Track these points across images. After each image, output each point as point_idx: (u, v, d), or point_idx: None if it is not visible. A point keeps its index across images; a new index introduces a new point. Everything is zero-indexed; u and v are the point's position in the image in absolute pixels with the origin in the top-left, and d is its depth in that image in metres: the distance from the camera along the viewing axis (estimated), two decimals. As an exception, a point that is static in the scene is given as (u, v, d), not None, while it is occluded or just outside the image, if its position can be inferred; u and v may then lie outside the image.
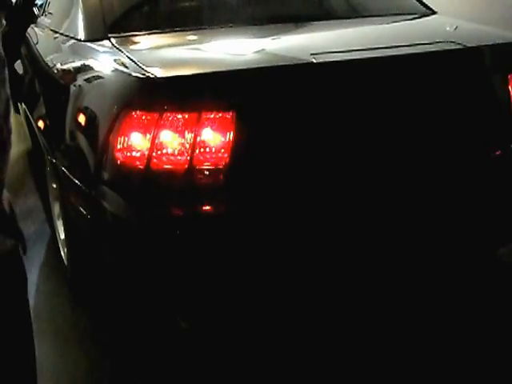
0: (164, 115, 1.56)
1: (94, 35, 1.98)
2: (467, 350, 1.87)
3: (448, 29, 2.13)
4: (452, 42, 1.87)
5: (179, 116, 1.57)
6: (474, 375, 1.77)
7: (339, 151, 1.70)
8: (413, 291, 2.08)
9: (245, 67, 1.68)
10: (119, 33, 1.96)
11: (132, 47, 1.93)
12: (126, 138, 1.61)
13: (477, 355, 1.84)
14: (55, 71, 2.17)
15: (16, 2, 2.17)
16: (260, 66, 1.70)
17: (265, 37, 2.06)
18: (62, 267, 2.27)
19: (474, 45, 1.89)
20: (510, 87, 1.92)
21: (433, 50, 1.84)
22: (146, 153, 1.58)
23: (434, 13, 2.34)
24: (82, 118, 1.84)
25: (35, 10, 2.84)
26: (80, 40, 2.03)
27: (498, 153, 1.94)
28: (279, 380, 1.78)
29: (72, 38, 2.11)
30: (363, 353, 1.87)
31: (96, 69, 1.87)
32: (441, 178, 1.82)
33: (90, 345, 1.96)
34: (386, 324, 1.98)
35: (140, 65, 1.65)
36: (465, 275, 2.19)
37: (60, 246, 2.30)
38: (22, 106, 2.63)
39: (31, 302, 2.17)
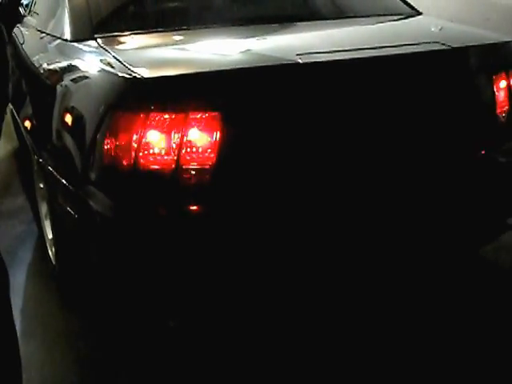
0: (150, 115, 1.57)
1: (80, 35, 1.98)
2: (451, 348, 1.89)
3: (433, 29, 2.15)
4: (437, 42, 1.89)
5: (166, 116, 1.57)
6: (459, 372, 1.80)
7: (325, 151, 1.71)
8: (397, 288, 2.10)
9: (231, 67, 1.68)
10: (105, 33, 1.96)
11: (118, 47, 1.92)
12: (113, 138, 1.61)
13: (460, 353, 1.86)
14: (42, 71, 2.16)
15: (1, 1, 2.16)
16: (246, 66, 1.71)
17: (251, 37, 2.06)
18: (49, 267, 2.27)
19: (459, 45, 1.91)
20: (494, 87, 1.95)
21: (418, 50, 1.85)
22: (133, 153, 1.58)
23: (419, 14, 2.36)
24: (68, 118, 1.84)
25: (21, 9, 2.83)
26: (66, 40, 2.03)
27: (482, 152, 1.97)
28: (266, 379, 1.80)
29: (58, 38, 2.10)
30: (350, 353, 1.89)
31: (82, 69, 1.87)
32: (426, 176, 1.84)
33: (79, 344, 1.96)
34: (369, 321, 2.00)
35: (126, 65, 1.65)
36: (449, 272, 2.22)
37: (48, 245, 2.30)
38: (9, 106, 2.62)
39: (19, 302, 2.20)
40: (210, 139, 1.61)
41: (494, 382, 1.76)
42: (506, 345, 1.90)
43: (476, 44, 1.95)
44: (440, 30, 2.12)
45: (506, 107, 1.96)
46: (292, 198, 1.68)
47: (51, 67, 2.10)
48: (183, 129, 1.58)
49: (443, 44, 1.87)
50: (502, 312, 2.06)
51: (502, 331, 1.96)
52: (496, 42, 1.99)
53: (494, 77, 1.93)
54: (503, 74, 1.94)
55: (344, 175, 1.74)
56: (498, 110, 1.95)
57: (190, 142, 1.59)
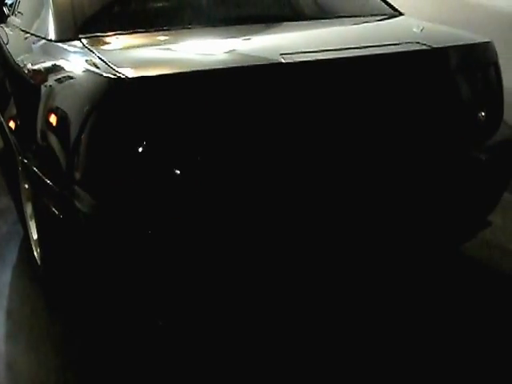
0: (135, 115, 1.57)
1: (65, 35, 1.97)
2: (428, 346, 1.91)
3: (414, 30, 2.19)
4: (418, 42, 1.92)
5: (149, 116, 1.58)
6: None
7: (308, 149, 1.73)
8: (382, 285, 2.13)
9: (215, 67, 1.69)
10: (90, 33, 1.96)
11: (103, 47, 1.92)
12: (97, 138, 1.62)
13: (438, 352, 1.89)
14: (26, 71, 2.16)
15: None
16: (230, 66, 1.72)
17: (236, 37, 2.08)
18: (35, 267, 2.26)
19: (438, 46, 1.94)
20: (472, 87, 1.99)
21: (399, 50, 1.88)
22: (117, 153, 1.59)
23: (401, 14, 2.40)
24: (52, 119, 1.84)
25: (5, 9, 2.82)
26: (50, 40, 2.02)
27: (462, 150, 2.00)
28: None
29: (42, 38, 2.10)
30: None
31: (67, 69, 1.87)
32: (406, 175, 1.87)
33: (64, 345, 1.97)
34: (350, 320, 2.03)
35: (110, 65, 1.65)
36: (430, 269, 2.25)
37: (33, 246, 2.29)
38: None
39: (3, 302, 2.19)
40: (194, 139, 1.62)
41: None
42: (489, 341, 1.93)
43: (455, 44, 1.99)
44: (421, 30, 2.15)
45: (484, 106, 2.00)
46: (276, 197, 1.70)
47: (35, 67, 2.10)
48: (168, 129, 1.60)
49: (423, 44, 1.90)
50: (483, 307, 2.09)
51: (483, 327, 1.99)
52: (475, 42, 2.03)
53: (472, 76, 1.97)
54: (481, 73, 1.98)
55: (325, 173, 1.76)
56: (476, 109, 1.99)
57: (174, 141, 1.61)
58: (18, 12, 2.64)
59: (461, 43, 2.01)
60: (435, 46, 1.91)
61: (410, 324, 2.00)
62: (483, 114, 2.02)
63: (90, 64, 1.74)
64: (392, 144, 1.85)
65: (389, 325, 2.00)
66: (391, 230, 1.88)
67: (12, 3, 2.82)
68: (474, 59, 2.02)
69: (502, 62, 2.07)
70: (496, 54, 2.04)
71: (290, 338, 1.94)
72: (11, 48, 2.46)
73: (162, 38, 2.04)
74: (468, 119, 1.99)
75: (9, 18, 2.71)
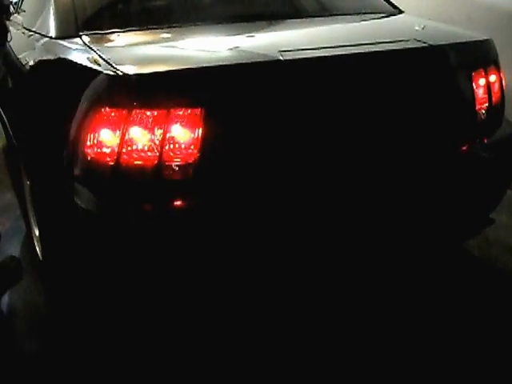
0: (133, 112, 1.58)
1: (65, 33, 1.99)
2: (430, 345, 1.91)
3: (414, 28, 2.18)
4: (418, 40, 1.92)
5: (148, 113, 1.59)
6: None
7: (307, 146, 1.74)
8: (385, 284, 2.13)
9: (214, 64, 1.70)
10: (90, 30, 1.98)
11: (102, 45, 1.94)
12: (96, 135, 1.63)
13: (439, 350, 1.88)
14: (28, 68, 2.18)
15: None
16: (229, 63, 1.72)
17: (236, 35, 2.09)
18: (37, 263, 2.28)
19: (439, 43, 1.94)
20: (473, 84, 1.98)
21: (399, 48, 1.88)
22: (116, 149, 1.60)
23: (401, 12, 2.40)
24: (53, 116, 1.85)
25: (11, 7, 2.84)
26: (51, 37, 2.04)
27: (463, 148, 2.00)
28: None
29: (44, 35, 2.12)
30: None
31: (67, 66, 1.88)
32: (408, 173, 1.87)
33: (65, 342, 1.97)
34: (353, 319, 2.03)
35: (110, 62, 1.66)
36: (434, 266, 2.24)
37: (35, 241, 2.31)
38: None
39: (6, 298, 2.20)
40: (192, 136, 1.63)
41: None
42: (490, 339, 1.92)
43: (455, 42, 1.99)
44: (420, 28, 2.15)
45: (485, 104, 2.00)
46: (274, 194, 1.71)
47: (36, 65, 2.11)
48: (166, 125, 1.60)
49: (424, 42, 1.90)
50: (486, 304, 2.09)
51: (485, 325, 1.99)
52: (474, 39, 2.02)
53: (473, 74, 1.96)
54: (482, 71, 1.98)
55: (324, 170, 1.76)
56: (478, 107, 1.99)
57: (172, 138, 1.62)
58: (22, 10, 2.66)
59: (460, 41, 2.01)
60: (434, 43, 1.91)
61: (411, 322, 2.00)
62: (484, 111, 2.01)
63: (89, 61, 1.75)
64: (393, 142, 1.84)
65: (390, 323, 2.00)
66: (394, 228, 1.88)
67: (17, 1, 2.84)
68: (474, 57, 2.01)
69: (504, 59, 2.06)
70: (496, 52, 2.04)
71: (290, 337, 1.94)
72: (14, 46, 2.47)
73: (162, 35, 2.05)
74: (469, 117, 1.99)
75: (12, 16, 2.73)
